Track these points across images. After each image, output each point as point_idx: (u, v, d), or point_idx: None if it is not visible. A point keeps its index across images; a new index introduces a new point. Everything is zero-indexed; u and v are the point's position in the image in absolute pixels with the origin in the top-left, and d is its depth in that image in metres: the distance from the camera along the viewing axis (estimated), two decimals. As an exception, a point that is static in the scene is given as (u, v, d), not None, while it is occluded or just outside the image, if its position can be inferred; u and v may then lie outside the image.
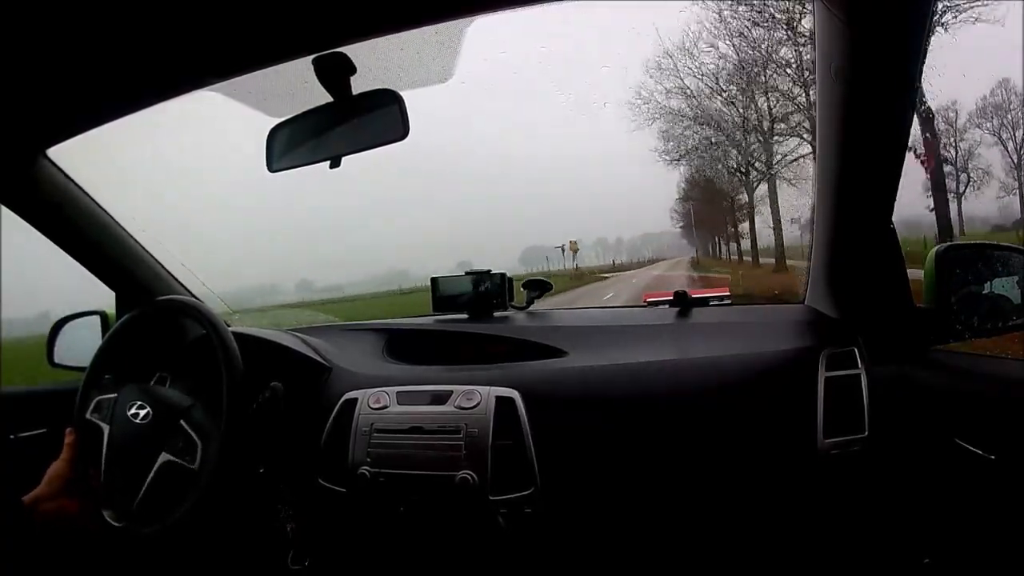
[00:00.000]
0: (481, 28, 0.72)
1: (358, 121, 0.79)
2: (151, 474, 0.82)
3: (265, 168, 0.83)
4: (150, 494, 0.81)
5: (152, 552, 0.75)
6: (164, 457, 0.83)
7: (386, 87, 0.77)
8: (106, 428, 0.86)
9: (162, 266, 1.23)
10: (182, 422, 0.86)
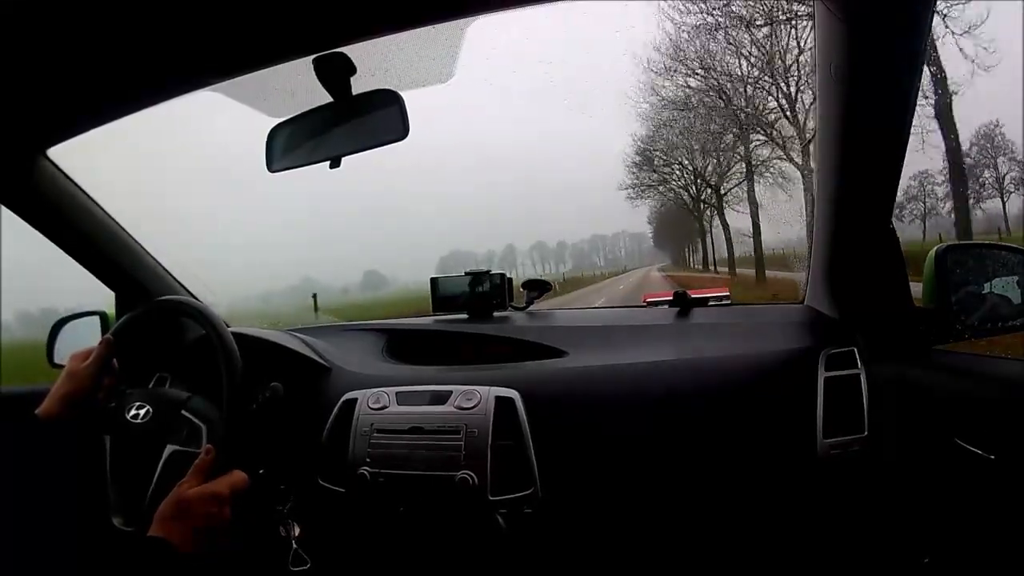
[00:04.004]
0: (481, 28, 0.73)
1: (358, 121, 0.79)
2: (158, 469, 0.82)
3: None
4: (159, 490, 0.81)
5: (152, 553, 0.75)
6: (170, 449, 0.83)
7: (386, 87, 0.77)
8: (107, 439, 0.85)
9: (162, 266, 1.23)
10: (183, 412, 0.86)
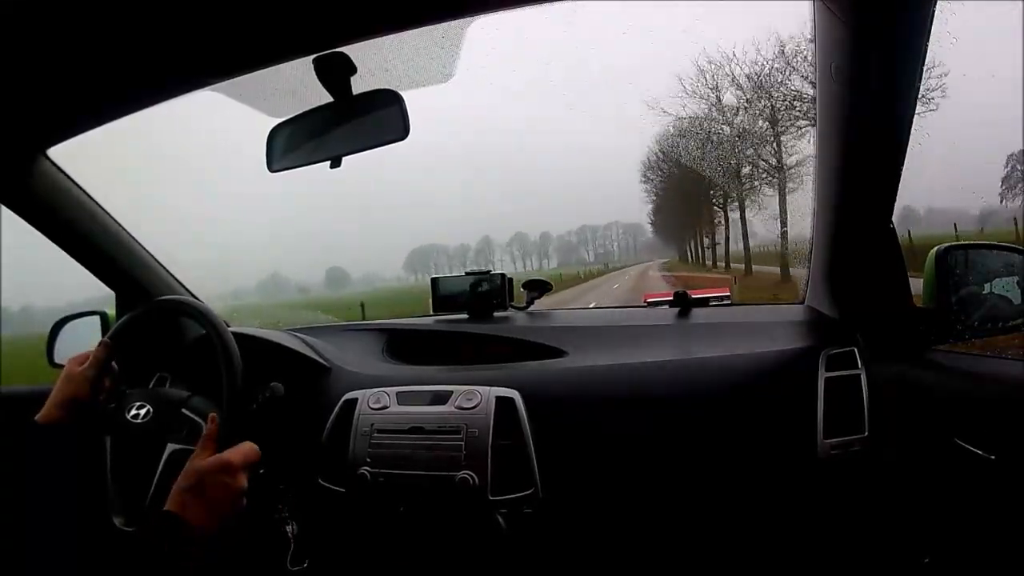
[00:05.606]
0: (481, 27, 0.72)
1: (358, 121, 0.79)
2: (160, 468, 0.82)
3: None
4: (160, 490, 0.81)
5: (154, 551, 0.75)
6: (171, 448, 0.83)
7: (386, 87, 0.77)
8: (107, 439, 0.85)
9: (162, 266, 1.23)
10: (183, 410, 0.86)
